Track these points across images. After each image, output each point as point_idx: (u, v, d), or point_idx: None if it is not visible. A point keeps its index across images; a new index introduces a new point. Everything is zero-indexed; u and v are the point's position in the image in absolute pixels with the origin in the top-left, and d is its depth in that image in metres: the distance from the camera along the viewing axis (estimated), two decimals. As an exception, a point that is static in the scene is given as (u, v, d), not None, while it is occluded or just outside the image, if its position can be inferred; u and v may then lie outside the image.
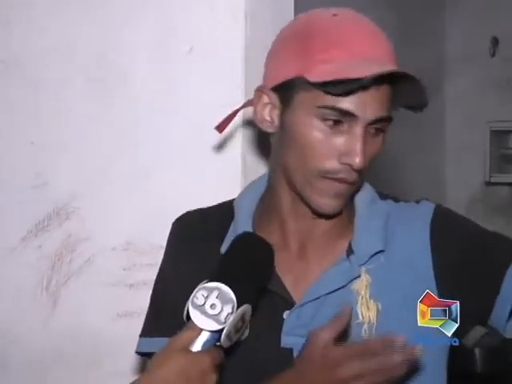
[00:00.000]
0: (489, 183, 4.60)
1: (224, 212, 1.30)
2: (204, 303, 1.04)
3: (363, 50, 1.14)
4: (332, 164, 1.14)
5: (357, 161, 1.12)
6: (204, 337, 1.05)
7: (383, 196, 1.28)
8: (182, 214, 1.36)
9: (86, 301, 1.64)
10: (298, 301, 1.20)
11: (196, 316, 1.04)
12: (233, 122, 1.49)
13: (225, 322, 1.04)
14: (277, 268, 1.21)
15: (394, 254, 1.21)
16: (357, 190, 1.22)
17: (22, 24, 1.67)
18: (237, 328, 1.06)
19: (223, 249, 1.22)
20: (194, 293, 1.05)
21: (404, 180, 3.69)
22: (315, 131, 1.13)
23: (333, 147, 1.13)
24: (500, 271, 1.20)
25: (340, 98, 1.11)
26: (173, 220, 1.54)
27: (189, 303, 1.05)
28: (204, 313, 1.04)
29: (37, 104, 1.67)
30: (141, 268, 1.60)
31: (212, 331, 1.04)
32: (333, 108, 1.12)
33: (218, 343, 1.06)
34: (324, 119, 1.13)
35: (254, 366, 1.21)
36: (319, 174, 1.15)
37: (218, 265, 1.10)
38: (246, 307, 1.07)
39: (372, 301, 1.18)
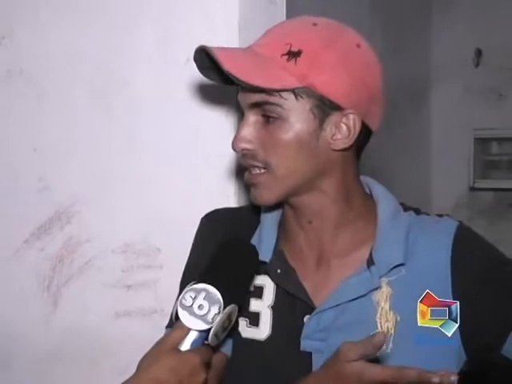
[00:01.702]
0: (473, 188, 4.60)
1: (253, 216, 1.29)
2: (192, 304, 1.05)
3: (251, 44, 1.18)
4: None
5: (234, 143, 1.16)
6: (192, 336, 1.05)
7: (406, 208, 1.26)
8: (210, 211, 1.36)
9: (86, 301, 1.64)
10: (318, 306, 1.19)
11: (184, 316, 1.05)
12: (231, 126, 1.50)
13: (212, 322, 1.05)
14: (298, 273, 1.22)
15: (416, 267, 1.19)
16: (283, 182, 1.16)
17: (27, 35, 1.67)
18: (224, 327, 1.07)
19: None
20: (182, 294, 1.06)
21: (390, 185, 3.68)
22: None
23: None
24: None
25: None
26: (170, 223, 1.55)
27: (177, 304, 1.06)
28: (192, 313, 1.05)
29: (40, 112, 1.67)
30: (139, 269, 1.60)
31: (200, 331, 1.05)
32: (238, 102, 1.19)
33: (205, 342, 1.06)
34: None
35: (272, 367, 1.21)
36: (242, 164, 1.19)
37: (206, 267, 1.11)
38: (233, 307, 1.07)
39: (391, 312, 1.17)
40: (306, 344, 1.19)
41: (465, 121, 4.52)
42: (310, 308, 1.20)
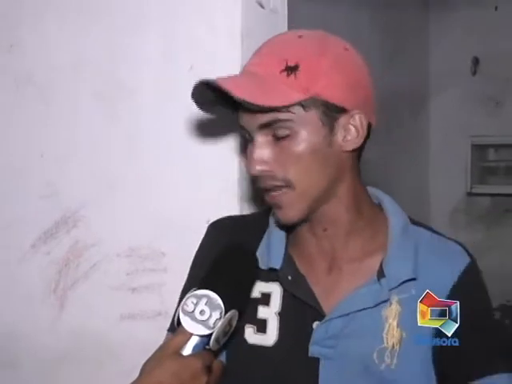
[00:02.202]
0: (470, 194, 4.62)
1: (259, 223, 1.30)
2: (194, 310, 1.05)
3: (243, 67, 1.19)
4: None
5: (249, 167, 1.15)
6: (194, 341, 1.06)
7: (413, 222, 1.26)
8: (218, 218, 1.36)
9: (92, 304, 1.64)
10: (327, 312, 1.19)
11: (186, 322, 1.06)
12: (233, 134, 1.51)
13: (213, 327, 1.05)
14: (308, 280, 1.22)
15: (425, 288, 1.18)
16: (305, 196, 1.16)
17: (34, 43, 1.69)
18: (225, 332, 1.08)
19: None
20: (184, 300, 1.07)
21: (389, 190, 3.69)
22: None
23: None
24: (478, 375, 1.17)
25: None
26: (174, 228, 1.55)
27: (179, 310, 1.06)
28: (194, 319, 1.05)
29: (47, 118, 1.68)
30: (143, 273, 1.60)
31: (201, 336, 1.06)
32: (239, 127, 1.18)
33: (207, 346, 1.07)
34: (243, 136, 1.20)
35: (279, 372, 1.21)
36: (259, 186, 1.18)
37: (207, 273, 1.12)
38: (233, 312, 1.08)
39: (399, 330, 1.18)
40: (314, 350, 1.19)
41: (463, 128, 4.53)
42: (319, 314, 1.20)
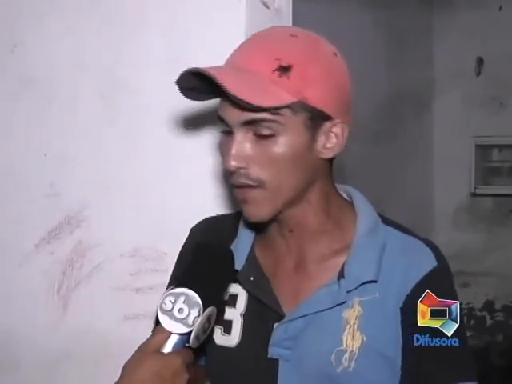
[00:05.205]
0: (474, 194, 4.61)
1: (233, 222, 1.29)
2: (172, 308, 1.05)
3: (229, 60, 1.16)
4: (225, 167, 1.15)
5: (227, 161, 1.12)
6: (174, 339, 1.05)
7: (387, 221, 1.24)
8: (199, 221, 1.35)
9: (95, 304, 1.64)
10: (289, 313, 1.18)
11: (165, 321, 1.05)
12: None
13: (192, 325, 1.04)
14: (273, 280, 1.21)
15: (389, 292, 1.16)
16: (275, 198, 1.14)
17: (37, 44, 1.68)
18: (204, 329, 1.07)
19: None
20: (161, 299, 1.06)
21: (394, 191, 3.70)
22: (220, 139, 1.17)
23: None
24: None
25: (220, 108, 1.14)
26: (177, 228, 1.54)
27: (157, 309, 1.06)
28: (172, 317, 1.05)
29: (50, 119, 1.67)
30: (146, 273, 1.60)
31: (181, 334, 1.05)
32: (218, 117, 1.15)
33: (187, 344, 1.06)
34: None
35: (241, 373, 1.21)
36: (231, 182, 1.15)
37: (183, 271, 1.11)
38: (212, 309, 1.07)
39: (358, 332, 1.15)
40: (273, 351, 1.18)
41: (466, 128, 4.53)
42: (279, 316, 1.19)
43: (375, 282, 1.16)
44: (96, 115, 1.64)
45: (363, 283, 1.15)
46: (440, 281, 1.18)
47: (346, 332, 1.15)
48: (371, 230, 1.19)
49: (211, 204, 1.51)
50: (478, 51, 4.48)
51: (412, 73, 4.23)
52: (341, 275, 1.16)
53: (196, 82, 1.13)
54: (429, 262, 1.18)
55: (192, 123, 1.54)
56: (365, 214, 1.21)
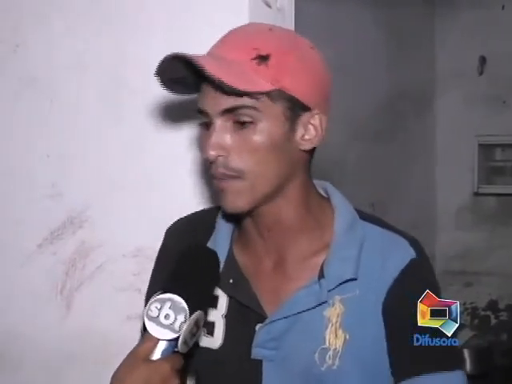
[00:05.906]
0: (477, 194, 4.60)
1: (209, 220, 1.28)
2: (158, 315, 1.04)
3: (209, 51, 1.16)
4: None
5: (205, 151, 1.12)
6: (162, 346, 1.05)
7: (365, 217, 1.22)
8: (173, 222, 1.34)
9: (98, 304, 1.64)
10: (270, 314, 1.18)
11: (152, 327, 1.04)
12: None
13: (179, 331, 1.04)
14: (252, 282, 1.20)
15: (369, 288, 1.16)
16: (254, 189, 1.13)
17: (40, 44, 1.68)
18: (192, 333, 1.06)
19: None
20: (147, 306, 1.05)
21: (397, 191, 3.70)
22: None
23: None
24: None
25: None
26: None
27: (144, 316, 1.05)
28: (159, 324, 1.04)
29: (52, 119, 1.67)
30: (149, 273, 1.59)
31: (168, 340, 1.05)
32: (198, 110, 1.15)
33: (175, 349, 1.06)
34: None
35: (225, 375, 1.21)
36: (210, 173, 1.15)
37: (168, 277, 1.10)
38: (199, 314, 1.07)
39: (341, 330, 1.15)
40: (256, 352, 1.18)
41: (469, 127, 4.53)
42: (261, 317, 1.18)
43: (355, 279, 1.16)
44: (97, 115, 1.64)
45: (344, 281, 1.15)
46: (419, 273, 1.18)
47: (328, 330, 1.15)
48: (349, 227, 1.19)
49: (213, 204, 1.51)
50: (480, 50, 4.48)
51: (414, 72, 4.22)
52: (321, 275, 1.16)
53: (177, 73, 1.13)
54: (407, 255, 1.18)
55: (195, 124, 1.53)
56: (342, 211, 1.21)
